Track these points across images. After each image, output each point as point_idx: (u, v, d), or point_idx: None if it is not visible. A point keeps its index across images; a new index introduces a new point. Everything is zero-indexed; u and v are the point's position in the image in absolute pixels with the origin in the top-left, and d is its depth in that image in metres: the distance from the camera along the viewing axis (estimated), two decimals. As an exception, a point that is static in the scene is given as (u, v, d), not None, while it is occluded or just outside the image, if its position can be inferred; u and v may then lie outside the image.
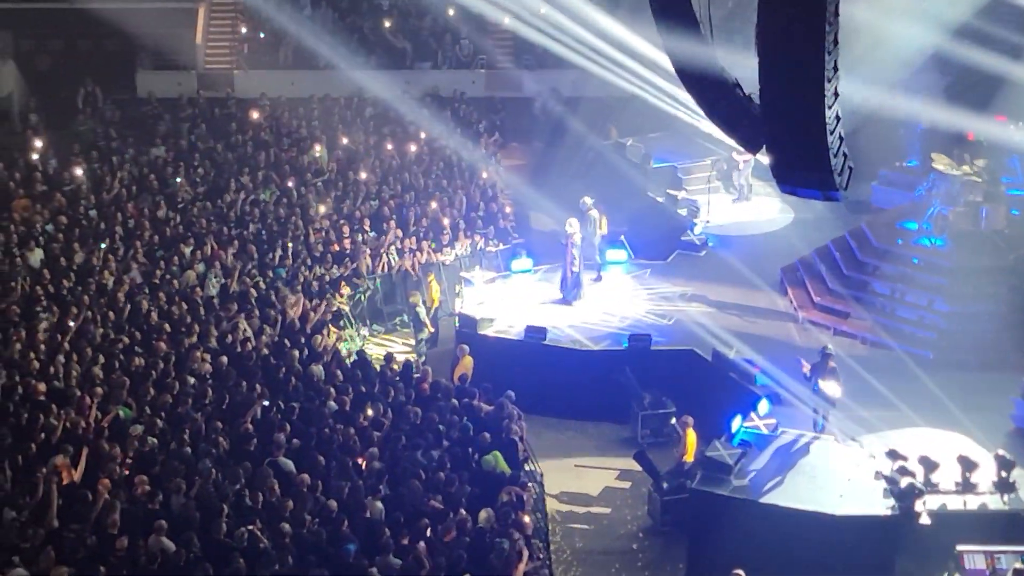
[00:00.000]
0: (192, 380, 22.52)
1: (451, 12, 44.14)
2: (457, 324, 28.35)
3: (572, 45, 37.64)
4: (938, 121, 35.23)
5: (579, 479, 24.78)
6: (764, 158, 12.89)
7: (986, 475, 21.70)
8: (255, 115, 38.46)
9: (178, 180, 33.03)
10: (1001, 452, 21.96)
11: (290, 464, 19.95)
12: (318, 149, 36.33)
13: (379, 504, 19.05)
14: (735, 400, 24.97)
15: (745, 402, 24.75)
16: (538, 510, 21.40)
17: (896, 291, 29.56)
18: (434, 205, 33.05)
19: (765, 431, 23.85)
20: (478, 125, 39.92)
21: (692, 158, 37.70)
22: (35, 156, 34.49)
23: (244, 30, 43.66)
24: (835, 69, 11.61)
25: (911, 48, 32.33)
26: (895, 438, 23.36)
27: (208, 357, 23.60)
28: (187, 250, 28.73)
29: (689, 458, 23.04)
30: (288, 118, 38.49)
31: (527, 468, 22.20)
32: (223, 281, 27.69)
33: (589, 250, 30.58)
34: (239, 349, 24.28)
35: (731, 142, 14.92)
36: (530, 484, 21.52)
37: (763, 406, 24.48)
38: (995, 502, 21.34)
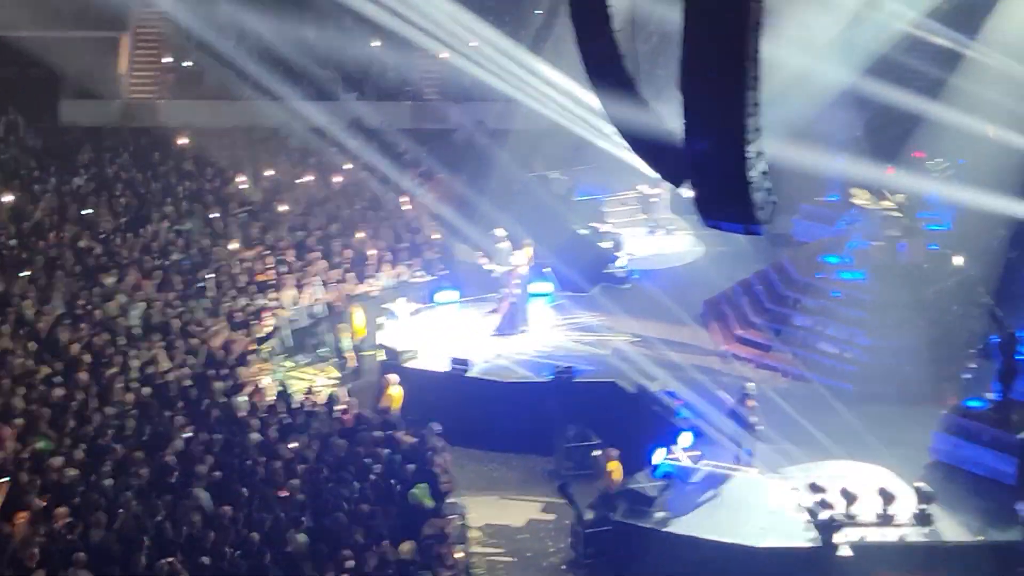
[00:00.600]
0: (113, 411, 22.29)
1: (377, 43, 44.16)
2: (381, 356, 28.28)
3: (499, 76, 37.83)
4: (858, 156, 35.80)
5: (502, 511, 24.73)
6: (686, 192, 13.00)
7: (905, 507, 21.96)
8: (179, 144, 38.22)
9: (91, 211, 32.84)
10: (920, 485, 22.23)
11: (206, 496, 19.75)
12: (243, 179, 36.16)
13: (302, 537, 18.92)
14: (658, 432, 25.08)
15: (668, 434, 24.86)
16: (461, 542, 21.35)
17: (817, 324, 29.84)
18: (359, 236, 32.98)
19: (687, 464, 23.98)
20: (404, 156, 39.89)
21: (615, 191, 37.92)
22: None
23: (168, 59, 43.41)
24: (757, 104, 11.73)
25: (829, 83, 32.84)
26: (816, 470, 23.59)
27: (130, 388, 23.38)
28: (109, 280, 28.48)
29: (613, 490, 23.06)
30: (212, 148, 38.26)
31: (450, 500, 22.15)
32: (145, 311, 27.46)
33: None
34: (161, 380, 24.08)
35: (654, 175, 15.02)
36: (453, 516, 21.47)
37: (685, 438, 24.61)
38: (914, 534, 21.57)
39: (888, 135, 35.03)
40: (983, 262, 31.33)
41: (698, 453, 24.31)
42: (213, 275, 29.71)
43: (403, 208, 35.78)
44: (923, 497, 21.97)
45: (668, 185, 34.40)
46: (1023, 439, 23.98)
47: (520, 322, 29.77)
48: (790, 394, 27.15)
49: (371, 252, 32.20)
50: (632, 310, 31.34)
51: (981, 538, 21.99)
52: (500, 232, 31.19)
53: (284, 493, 20.31)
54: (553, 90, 35.77)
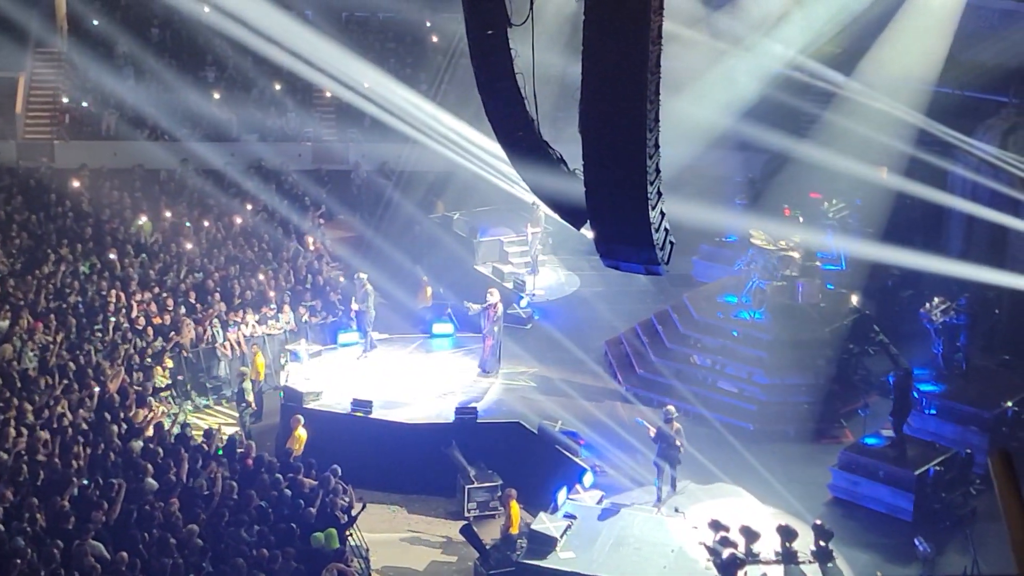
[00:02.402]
0: (6, 456, 21.86)
1: (278, 86, 44.05)
2: (282, 397, 28.08)
3: (399, 117, 37.94)
4: (757, 196, 36.37)
5: (405, 553, 24.61)
6: (587, 233, 13.08)
7: (805, 544, 22.17)
8: (75, 185, 37.73)
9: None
10: (819, 521, 22.46)
11: (100, 547, 19.39)
12: (141, 220, 35.77)
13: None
14: (561, 472, 25.15)
15: (571, 474, 24.94)
16: (364, 586, 21.21)
17: (717, 364, 30.11)
18: (260, 277, 32.77)
19: (590, 503, 24.05)
20: (304, 198, 39.74)
21: (517, 232, 38.00)
22: None
23: (66, 100, 42.94)
24: (656, 146, 11.85)
25: (709, 126, 33.41)
26: (710, 501, 23.83)
27: (24, 432, 22.95)
28: (3, 323, 28.01)
29: (515, 531, 23.02)
30: (109, 189, 37.85)
31: (352, 543, 22.00)
32: (41, 354, 27.03)
33: (362, 322, 30.87)
34: (56, 424, 23.67)
35: (555, 216, 15.10)
36: (355, 559, 21.33)
37: (588, 478, 24.71)
38: (813, 571, 21.77)
39: (784, 176, 35.59)
40: (878, 301, 31.88)
41: (600, 493, 24.43)
42: (111, 318, 29.31)
43: (304, 249, 35.59)
44: (822, 534, 22.20)
45: (550, 223, 34.97)
46: (919, 475, 24.38)
47: (494, 360, 29.71)
48: (691, 434, 27.32)
49: (271, 293, 31.99)
50: (534, 351, 31.40)
51: (879, 574, 22.28)
52: (363, 275, 31.19)
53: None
54: (454, 133, 35.94)
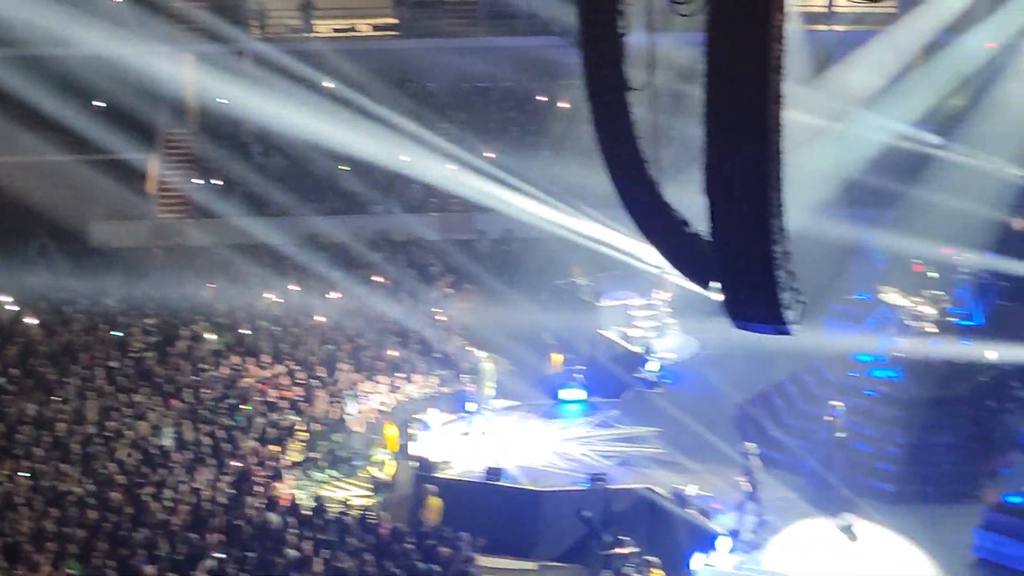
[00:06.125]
0: (146, 532, 22.20)
1: (406, 157, 44.43)
2: (415, 467, 28.18)
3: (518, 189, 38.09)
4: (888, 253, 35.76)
5: (542, 621, 24.52)
6: (714, 294, 13.00)
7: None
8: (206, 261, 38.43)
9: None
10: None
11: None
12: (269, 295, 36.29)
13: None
14: (695, 539, 24.90)
15: (704, 540, 24.67)
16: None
17: (854, 425, 29.57)
18: (389, 349, 33.02)
19: (728, 568, 23.77)
20: (432, 267, 40.01)
21: (643, 295, 37.77)
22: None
23: (197, 180, 43.74)
24: (780, 205, 11.77)
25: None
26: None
27: (164, 507, 23.31)
28: (140, 398, 28.53)
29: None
30: (240, 265, 38.46)
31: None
32: (177, 429, 27.45)
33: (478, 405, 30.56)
34: (194, 498, 24.00)
35: (680, 278, 15.05)
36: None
37: (723, 543, 24.42)
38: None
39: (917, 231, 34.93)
40: (1017, 355, 31.11)
41: (738, 559, 24.17)
42: (245, 391, 29.71)
43: (433, 319, 35.78)
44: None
45: (673, 287, 34.79)
46: (1068, 534, 23.71)
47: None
48: (828, 497, 26.94)
49: (402, 363, 32.21)
50: (663, 415, 31.11)
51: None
52: (479, 354, 31.35)
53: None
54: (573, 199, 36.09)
